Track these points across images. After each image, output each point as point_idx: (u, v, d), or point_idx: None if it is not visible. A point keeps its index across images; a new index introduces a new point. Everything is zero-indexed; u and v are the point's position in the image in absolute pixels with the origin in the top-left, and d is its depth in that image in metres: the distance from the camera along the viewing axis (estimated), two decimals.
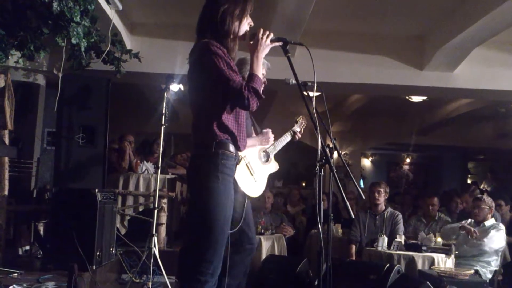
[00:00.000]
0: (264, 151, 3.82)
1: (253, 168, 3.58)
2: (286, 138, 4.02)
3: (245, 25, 2.82)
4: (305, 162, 12.76)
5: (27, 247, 5.58)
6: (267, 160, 3.77)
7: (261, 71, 2.78)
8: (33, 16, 4.56)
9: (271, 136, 3.86)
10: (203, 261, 2.61)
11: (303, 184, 13.58)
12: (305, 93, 3.17)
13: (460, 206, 7.54)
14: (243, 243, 3.44)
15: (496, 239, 5.52)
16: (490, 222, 5.69)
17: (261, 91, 2.70)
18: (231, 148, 2.73)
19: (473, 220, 5.83)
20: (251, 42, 2.80)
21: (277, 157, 3.95)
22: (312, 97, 2.95)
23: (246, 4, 2.81)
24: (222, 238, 2.65)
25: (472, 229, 5.50)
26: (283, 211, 8.45)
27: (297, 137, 4.08)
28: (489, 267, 5.54)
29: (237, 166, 3.33)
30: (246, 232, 3.45)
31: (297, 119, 4.10)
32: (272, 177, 6.72)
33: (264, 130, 3.87)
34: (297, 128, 4.07)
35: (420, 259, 5.23)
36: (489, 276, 5.53)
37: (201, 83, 2.73)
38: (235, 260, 3.40)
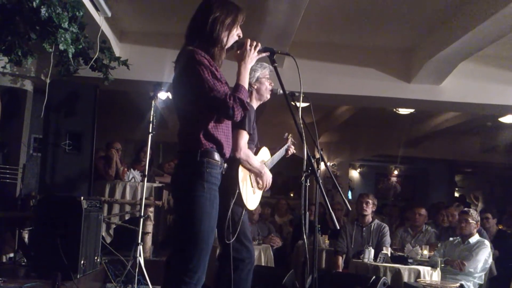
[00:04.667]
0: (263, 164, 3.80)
1: (253, 181, 3.58)
2: (281, 153, 4.04)
3: (234, 36, 2.81)
4: (292, 172, 12.76)
5: (11, 255, 5.51)
6: None
7: (247, 81, 2.77)
8: (21, 21, 4.52)
9: (269, 178, 3.82)
10: (187, 270, 2.58)
11: (291, 195, 13.57)
12: (293, 103, 3.18)
13: (446, 220, 7.53)
14: (243, 256, 3.43)
15: (480, 259, 5.52)
16: (475, 238, 5.68)
17: (245, 102, 2.68)
18: (216, 156, 2.70)
19: (458, 238, 5.84)
20: (238, 52, 2.80)
21: None
22: (299, 107, 2.95)
23: (237, 15, 2.80)
24: (206, 248, 2.62)
25: (459, 265, 5.46)
26: (270, 221, 8.44)
27: (289, 153, 4.11)
28: (474, 281, 5.55)
29: (242, 177, 3.37)
30: (245, 244, 3.45)
31: (288, 137, 4.12)
32: None
33: (268, 173, 3.82)
34: (290, 145, 4.09)
35: (406, 272, 5.23)
36: None
37: (187, 92, 2.71)
38: (242, 278, 3.39)
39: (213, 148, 2.70)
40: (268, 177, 3.60)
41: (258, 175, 3.54)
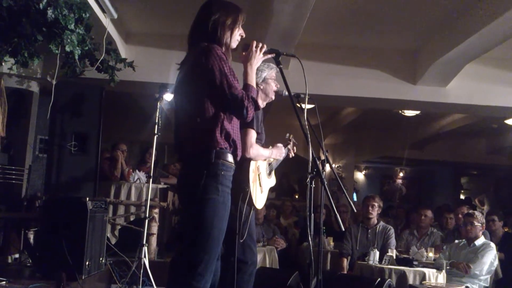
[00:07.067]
0: (269, 164, 3.81)
1: (262, 180, 3.57)
2: (284, 154, 4.03)
3: (237, 36, 2.81)
4: (298, 174, 12.75)
5: (17, 255, 5.53)
6: (269, 173, 3.76)
7: (254, 81, 2.78)
8: (28, 23, 4.54)
9: (284, 151, 3.84)
10: (194, 274, 2.55)
11: (296, 196, 13.55)
12: (298, 105, 3.18)
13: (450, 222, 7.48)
14: (247, 258, 3.41)
15: (486, 262, 5.48)
16: (480, 241, 5.65)
17: (257, 101, 2.69)
18: (230, 158, 2.67)
19: (464, 240, 5.80)
20: (244, 54, 2.81)
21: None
22: (304, 109, 2.95)
23: (238, 15, 2.81)
24: (215, 252, 2.59)
25: (465, 267, 5.43)
26: (275, 223, 8.44)
27: (291, 155, 4.09)
28: (480, 284, 5.52)
29: (253, 178, 3.38)
30: (250, 246, 3.43)
31: (289, 138, 4.11)
32: None
33: (279, 145, 3.83)
34: (291, 146, 4.09)
35: (411, 274, 5.21)
36: None
37: (201, 86, 2.65)
38: (244, 280, 3.38)
39: (226, 149, 2.66)
40: (281, 151, 3.73)
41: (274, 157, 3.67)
